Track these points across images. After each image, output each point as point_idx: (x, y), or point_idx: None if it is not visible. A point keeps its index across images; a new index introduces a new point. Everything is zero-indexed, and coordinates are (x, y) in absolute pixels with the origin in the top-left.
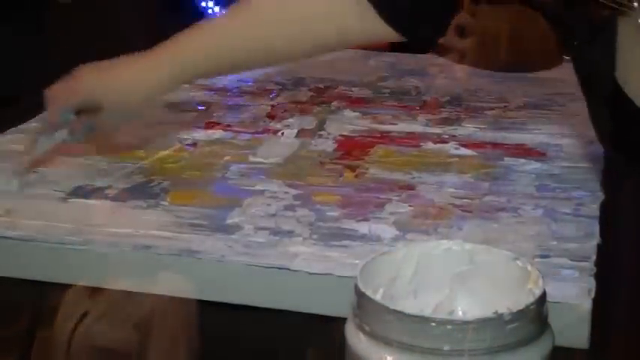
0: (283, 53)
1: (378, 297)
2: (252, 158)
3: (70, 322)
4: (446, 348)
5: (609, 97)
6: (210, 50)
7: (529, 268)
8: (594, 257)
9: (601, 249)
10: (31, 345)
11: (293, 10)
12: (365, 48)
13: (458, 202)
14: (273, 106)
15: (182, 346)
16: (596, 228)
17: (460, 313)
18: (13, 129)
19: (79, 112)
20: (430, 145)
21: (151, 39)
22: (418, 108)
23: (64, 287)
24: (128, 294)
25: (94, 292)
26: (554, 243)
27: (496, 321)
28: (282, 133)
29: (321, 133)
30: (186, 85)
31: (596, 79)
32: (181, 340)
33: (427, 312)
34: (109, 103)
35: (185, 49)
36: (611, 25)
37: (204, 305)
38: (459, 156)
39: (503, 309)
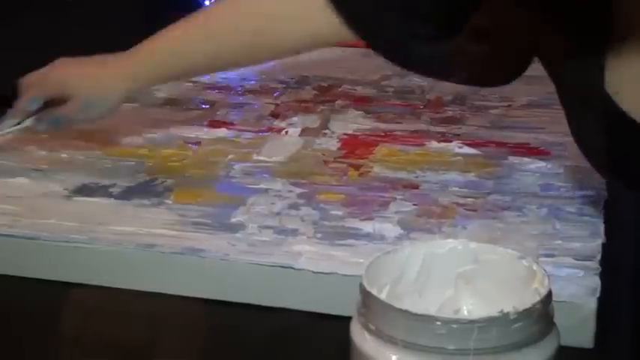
0: (245, 59)
1: (383, 296)
2: (255, 157)
3: (79, 321)
4: (451, 347)
5: (598, 114)
6: (174, 55)
7: (534, 267)
8: (599, 256)
9: (606, 248)
10: (39, 345)
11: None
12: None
13: (462, 201)
14: (276, 104)
15: (190, 345)
16: (601, 227)
17: (465, 312)
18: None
19: (48, 103)
20: (434, 144)
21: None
22: (422, 107)
23: (72, 286)
24: (136, 292)
25: (105, 293)
26: (559, 242)
27: (502, 320)
28: (286, 132)
29: (325, 131)
30: (189, 84)
31: (584, 94)
32: (190, 339)
33: (432, 311)
34: (80, 98)
35: (154, 52)
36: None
37: (210, 304)
38: (462, 155)
39: (508, 308)
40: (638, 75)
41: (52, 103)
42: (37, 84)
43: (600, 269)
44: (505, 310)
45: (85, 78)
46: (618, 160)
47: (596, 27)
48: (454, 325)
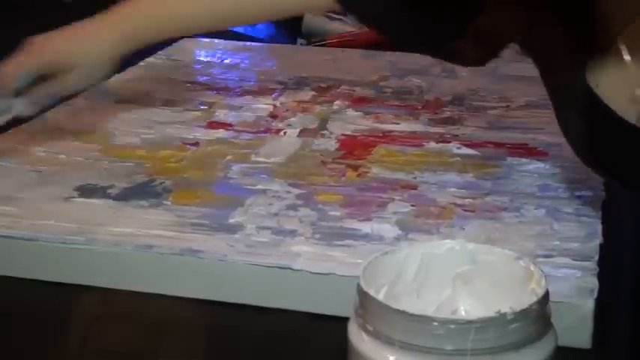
0: (231, 17)
1: (380, 296)
2: (254, 158)
3: (80, 326)
4: (448, 347)
5: (583, 108)
6: (162, 11)
7: (532, 267)
8: (597, 257)
9: (603, 249)
10: (40, 349)
11: None
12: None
13: (460, 201)
14: (275, 105)
15: (188, 346)
16: (599, 227)
17: (463, 312)
18: (17, 128)
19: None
20: (432, 145)
21: None
22: (420, 107)
23: (70, 287)
24: (135, 293)
25: (104, 294)
26: (557, 243)
27: (499, 320)
28: (285, 133)
29: (323, 132)
30: (188, 84)
31: (569, 88)
32: (188, 340)
33: (430, 311)
34: (83, 65)
35: (136, 10)
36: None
37: (208, 304)
38: (461, 155)
39: (505, 309)
40: (614, 68)
41: (40, 80)
42: (25, 61)
43: (598, 270)
44: (502, 311)
45: (85, 43)
46: (603, 155)
47: (577, 19)
48: (451, 326)
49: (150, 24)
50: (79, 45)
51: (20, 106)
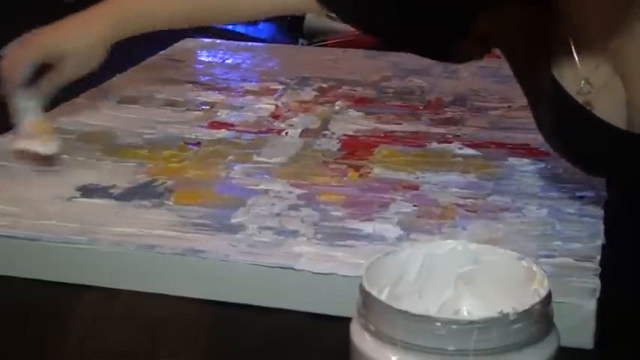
0: (228, 13)
1: (383, 297)
2: (255, 158)
3: (82, 326)
4: (451, 348)
5: (549, 96)
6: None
7: (534, 268)
8: (599, 257)
9: (605, 249)
10: (41, 349)
11: None
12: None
13: (462, 201)
14: (277, 105)
15: (190, 346)
16: (601, 228)
17: (465, 313)
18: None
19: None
20: (434, 145)
21: (152, 38)
22: (422, 108)
23: (72, 287)
24: (137, 293)
25: (106, 294)
26: (559, 243)
27: (501, 321)
28: (286, 133)
29: (325, 132)
30: (190, 84)
31: (536, 78)
32: (190, 340)
33: (432, 312)
34: (78, 55)
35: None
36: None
37: (210, 304)
38: (462, 156)
39: (508, 309)
40: (567, 63)
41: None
42: (25, 53)
43: (600, 270)
44: (505, 311)
45: (79, 33)
46: (572, 144)
47: (543, 17)
48: (454, 326)
49: (139, 14)
50: (74, 35)
51: (33, 101)
